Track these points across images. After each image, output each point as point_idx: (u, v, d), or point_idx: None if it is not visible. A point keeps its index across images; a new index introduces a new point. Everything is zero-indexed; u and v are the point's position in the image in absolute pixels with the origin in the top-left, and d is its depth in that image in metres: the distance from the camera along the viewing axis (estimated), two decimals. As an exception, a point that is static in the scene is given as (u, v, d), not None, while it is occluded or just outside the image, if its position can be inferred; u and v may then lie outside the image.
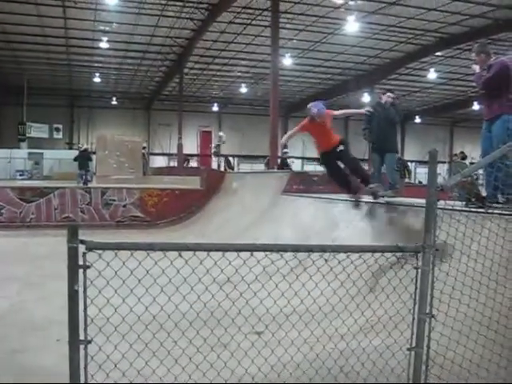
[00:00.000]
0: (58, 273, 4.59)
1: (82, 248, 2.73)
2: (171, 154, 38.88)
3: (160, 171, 28.56)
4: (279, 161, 20.63)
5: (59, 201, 15.02)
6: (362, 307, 4.47)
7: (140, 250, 2.92)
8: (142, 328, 3.87)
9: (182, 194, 15.96)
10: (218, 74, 35.23)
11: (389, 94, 9.52)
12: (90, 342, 2.84)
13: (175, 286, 3.49)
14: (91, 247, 2.72)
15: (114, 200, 15.49)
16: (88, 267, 2.74)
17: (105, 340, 3.44)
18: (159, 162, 40.63)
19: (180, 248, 3.13)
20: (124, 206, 15.46)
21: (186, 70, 32.09)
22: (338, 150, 8.58)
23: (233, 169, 29.70)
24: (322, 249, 3.66)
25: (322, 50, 29.39)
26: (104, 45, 27.86)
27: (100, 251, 2.79)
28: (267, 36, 21.05)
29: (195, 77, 35.05)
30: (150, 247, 2.98)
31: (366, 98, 34.93)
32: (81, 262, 2.72)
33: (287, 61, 28.77)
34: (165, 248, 3.10)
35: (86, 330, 2.80)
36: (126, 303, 3.33)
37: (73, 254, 2.69)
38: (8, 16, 23.95)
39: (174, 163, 37.70)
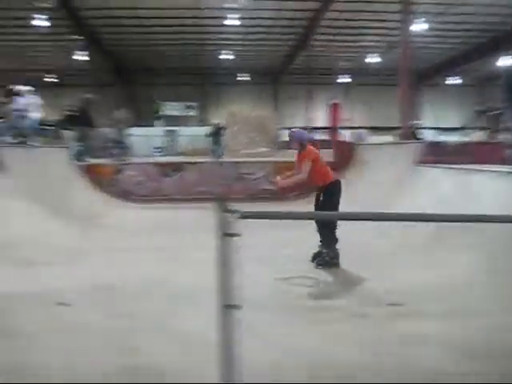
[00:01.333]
0: (201, 243, 4.80)
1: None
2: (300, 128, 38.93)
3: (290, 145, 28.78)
4: (410, 132, 19.93)
5: (195, 175, 15.74)
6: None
7: (291, 219, 2.96)
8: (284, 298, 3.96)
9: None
10: (346, 44, 34.57)
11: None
12: (239, 307, 2.94)
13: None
14: (241, 216, 2.80)
15: (247, 174, 15.91)
16: (236, 235, 2.83)
17: (249, 307, 3.56)
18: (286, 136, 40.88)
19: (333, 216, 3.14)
20: (256, 180, 15.82)
21: (313, 43, 31.80)
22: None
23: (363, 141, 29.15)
24: (478, 218, 3.49)
25: (457, 12, 27.72)
26: (232, 22, 28.42)
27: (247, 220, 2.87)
28: (397, 1, 20.16)
29: (322, 49, 34.64)
30: (297, 216, 3.02)
31: (503, 61, 32.54)
32: (230, 231, 2.82)
33: (418, 27, 27.49)
34: (303, 217, 3.12)
35: (233, 297, 2.91)
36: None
37: (223, 223, 2.79)
38: (140, 1, 25.30)
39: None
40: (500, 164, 9.24)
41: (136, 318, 5.31)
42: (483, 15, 28.30)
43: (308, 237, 7.54)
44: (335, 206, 7.34)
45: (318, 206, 7.57)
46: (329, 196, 7.45)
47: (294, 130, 8.31)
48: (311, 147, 7.77)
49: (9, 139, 13.23)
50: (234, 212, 2.77)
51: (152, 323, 5.14)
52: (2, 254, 7.31)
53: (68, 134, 17.74)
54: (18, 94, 13.90)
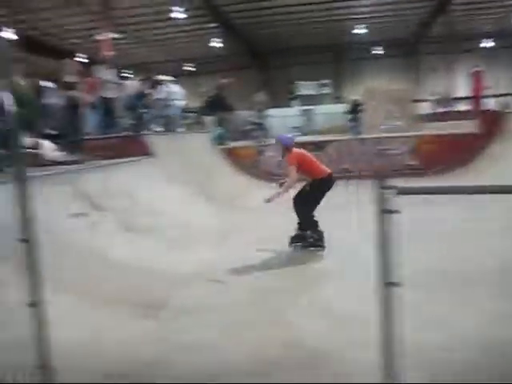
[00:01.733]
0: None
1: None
2: (439, 100, 37.12)
3: (430, 118, 27.55)
4: None
5: (335, 153, 15.66)
6: None
7: (447, 193, 2.84)
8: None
9: (457, 140, 15.22)
10: (487, 5, 32.17)
11: None
12: (398, 284, 2.88)
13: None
14: (401, 192, 2.73)
15: (388, 149, 15.54)
16: (397, 212, 2.76)
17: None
18: (427, 108, 39.25)
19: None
20: (398, 155, 15.41)
21: (451, 7, 29.98)
22: None
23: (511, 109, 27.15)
24: None
25: None
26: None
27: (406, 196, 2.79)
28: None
29: (462, 12, 32.55)
30: (455, 190, 2.89)
31: None
32: (389, 207, 2.76)
33: None
34: (461, 191, 2.96)
35: (392, 274, 2.85)
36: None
37: (382, 199, 2.74)
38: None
39: (440, 109, 35.97)
40: None
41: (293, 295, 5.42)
42: None
43: (460, 212, 7.25)
44: (316, 202, 7.57)
45: (299, 195, 7.71)
46: (315, 190, 7.59)
47: (279, 135, 8.42)
48: (296, 150, 7.80)
49: (155, 127, 13.99)
50: (391, 188, 2.70)
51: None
52: (158, 235, 7.79)
53: (208, 119, 18.40)
54: (160, 83, 14.66)
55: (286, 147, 7.78)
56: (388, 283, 2.82)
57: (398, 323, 2.79)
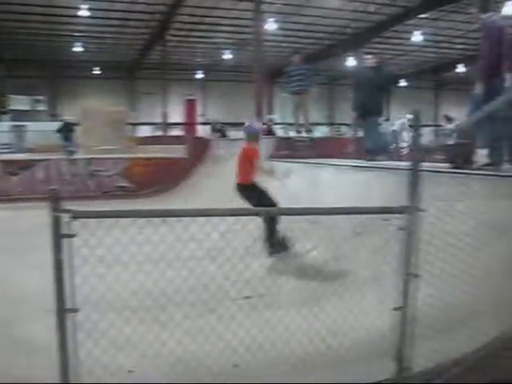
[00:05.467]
0: (43, 244, 4.57)
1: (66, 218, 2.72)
2: (156, 124, 38.41)
3: (145, 141, 28.29)
4: (265, 127, 20.51)
5: (44, 173, 14.92)
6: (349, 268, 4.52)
7: (123, 217, 2.91)
8: (128, 296, 3.89)
9: (167, 163, 15.91)
10: (202, 40, 34.64)
11: (372, 56, 9.42)
12: (76, 310, 2.85)
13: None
14: (75, 216, 2.70)
15: (100, 170, 15.43)
16: (72, 236, 2.73)
17: (92, 309, 3.46)
18: (144, 131, 40.21)
19: (164, 214, 3.12)
20: (109, 177, 15.40)
21: (168, 38, 31.51)
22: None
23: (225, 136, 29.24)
24: (309, 212, 3.67)
25: (306, 13, 28.99)
26: (84, 13, 27.25)
27: (84, 220, 2.78)
28: (250, 0, 20.66)
29: (178, 44, 34.46)
30: (133, 214, 2.97)
31: (351, 62, 34.70)
32: (65, 232, 2.71)
33: (271, 25, 28.40)
34: (149, 215, 3.08)
35: (72, 298, 2.80)
36: (115, 274, 3.34)
37: (56, 223, 2.67)
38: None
39: (158, 132, 37.28)
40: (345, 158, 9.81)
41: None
42: (332, 18, 29.84)
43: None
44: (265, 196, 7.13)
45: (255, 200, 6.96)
46: (252, 191, 7.12)
47: (249, 123, 7.92)
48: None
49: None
50: (67, 211, 2.66)
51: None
52: None
53: None
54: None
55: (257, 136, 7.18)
56: (64, 309, 2.76)
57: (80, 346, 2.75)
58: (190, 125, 25.82)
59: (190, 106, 34.68)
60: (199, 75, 42.49)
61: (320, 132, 29.79)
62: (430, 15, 28.66)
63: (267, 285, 4.15)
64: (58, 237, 2.67)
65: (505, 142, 6.47)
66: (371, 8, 28.27)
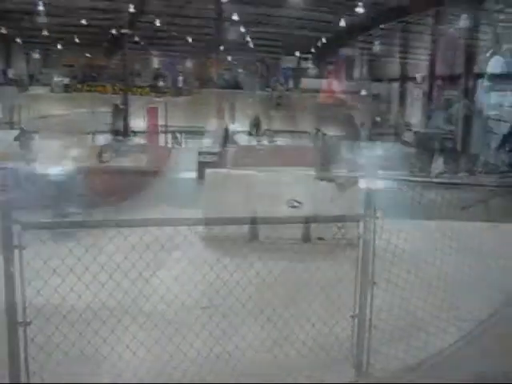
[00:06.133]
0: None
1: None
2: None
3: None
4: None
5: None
6: (307, 277, 4.52)
7: (74, 228, 2.86)
8: (82, 308, 3.80)
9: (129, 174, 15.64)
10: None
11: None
12: (29, 323, 2.77)
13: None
14: (27, 227, 2.63)
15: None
16: (23, 248, 2.65)
17: (44, 321, 3.38)
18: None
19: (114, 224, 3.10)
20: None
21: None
22: None
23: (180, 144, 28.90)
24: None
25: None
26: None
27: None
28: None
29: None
30: (84, 224, 2.93)
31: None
32: (15, 243, 2.64)
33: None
34: (99, 225, 3.06)
35: (24, 311, 2.73)
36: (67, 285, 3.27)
37: (7, 234, 2.60)
38: None
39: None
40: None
41: None
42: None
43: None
44: None
45: None
46: None
47: None
48: None
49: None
50: (16, 222, 2.59)
51: None
52: None
53: None
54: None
55: None
56: (17, 322, 2.69)
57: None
58: (152, 132, 25.39)
59: (152, 114, 34.19)
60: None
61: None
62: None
63: (223, 295, 4.11)
64: (9, 248, 2.60)
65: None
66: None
